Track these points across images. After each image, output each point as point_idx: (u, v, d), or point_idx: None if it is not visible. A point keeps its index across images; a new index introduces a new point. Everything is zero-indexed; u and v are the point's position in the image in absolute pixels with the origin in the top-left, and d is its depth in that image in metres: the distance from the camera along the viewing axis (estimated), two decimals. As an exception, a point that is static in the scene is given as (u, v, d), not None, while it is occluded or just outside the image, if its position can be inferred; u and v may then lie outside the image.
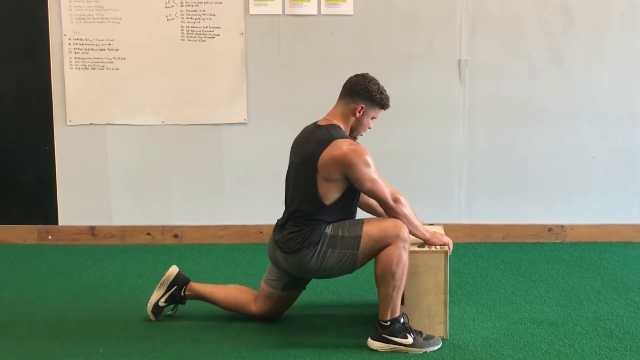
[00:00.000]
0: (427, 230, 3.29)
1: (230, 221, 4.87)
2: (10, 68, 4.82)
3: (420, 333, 3.14)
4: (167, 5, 4.71)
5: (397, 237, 3.09)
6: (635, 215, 4.80)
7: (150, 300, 3.45)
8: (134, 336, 3.30)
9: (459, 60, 4.72)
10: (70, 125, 4.81)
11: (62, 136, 4.83)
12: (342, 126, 3.25)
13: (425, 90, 4.73)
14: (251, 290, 3.50)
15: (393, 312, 3.11)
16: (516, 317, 3.49)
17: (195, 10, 4.70)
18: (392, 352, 3.09)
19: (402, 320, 3.13)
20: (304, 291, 3.47)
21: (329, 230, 3.17)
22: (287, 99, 4.76)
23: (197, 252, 4.66)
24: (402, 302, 3.19)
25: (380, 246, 3.11)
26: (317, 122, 3.31)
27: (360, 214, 3.41)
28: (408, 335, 3.10)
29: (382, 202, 3.18)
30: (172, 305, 3.48)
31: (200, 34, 4.72)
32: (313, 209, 3.18)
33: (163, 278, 3.45)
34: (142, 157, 4.85)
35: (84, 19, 4.72)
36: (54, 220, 4.89)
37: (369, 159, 3.14)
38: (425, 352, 3.10)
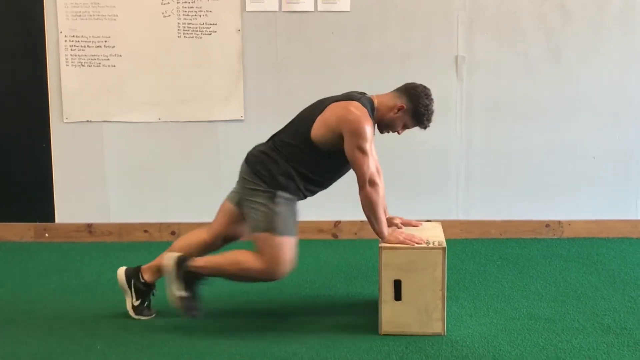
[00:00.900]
0: (387, 228, 3.26)
1: (227, 218, 4.86)
2: (7, 65, 4.81)
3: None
4: (164, 2, 4.70)
5: (267, 270, 3.17)
6: (632, 210, 4.81)
7: (128, 310, 3.44)
8: (132, 333, 3.29)
9: (456, 57, 4.72)
10: (66, 122, 4.81)
11: (59, 133, 4.82)
12: (377, 106, 3.27)
13: (422, 86, 4.73)
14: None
15: (198, 275, 3.26)
16: (513, 312, 3.50)
17: (191, 7, 4.69)
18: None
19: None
20: (301, 288, 3.46)
21: (281, 198, 3.18)
22: (284, 95, 4.76)
23: (195, 250, 4.66)
24: (400, 299, 3.19)
25: (256, 254, 3.19)
26: None
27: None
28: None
29: (358, 177, 3.18)
30: (149, 298, 3.46)
31: (197, 31, 4.71)
32: (301, 136, 3.21)
33: (119, 285, 3.45)
34: (138, 154, 4.85)
35: (80, 16, 4.71)
36: (51, 218, 4.89)
37: (370, 133, 3.16)
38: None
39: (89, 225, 4.88)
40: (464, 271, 4.14)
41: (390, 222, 3.45)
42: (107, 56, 4.75)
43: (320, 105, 3.28)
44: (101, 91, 4.78)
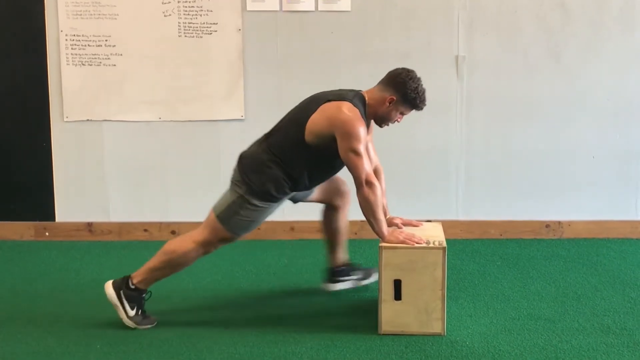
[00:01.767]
0: (386, 228, 3.27)
1: (227, 218, 4.86)
2: (7, 64, 4.81)
3: (144, 313, 3.34)
4: (164, 1, 4.69)
5: (195, 239, 3.29)
6: (632, 211, 4.81)
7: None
8: (131, 333, 3.29)
9: (457, 57, 4.72)
10: (67, 121, 4.81)
11: (59, 132, 4.82)
12: (368, 102, 3.28)
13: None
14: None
15: (145, 283, 3.31)
16: (513, 313, 3.50)
17: (192, 6, 4.69)
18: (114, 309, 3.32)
19: (143, 296, 3.32)
20: (301, 288, 3.47)
21: (252, 204, 3.24)
22: (284, 95, 4.76)
23: (195, 249, 4.66)
24: (400, 298, 3.20)
25: (185, 235, 3.35)
26: None
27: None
28: (135, 308, 3.31)
29: (355, 178, 3.19)
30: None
31: (198, 30, 4.71)
32: (294, 139, 3.22)
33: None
34: (139, 153, 4.85)
35: (80, 15, 4.71)
36: (51, 217, 4.89)
37: (361, 133, 3.15)
38: (137, 328, 3.31)
39: (89, 224, 4.88)
40: (464, 271, 4.14)
41: (391, 223, 3.45)
42: (107, 55, 4.74)
43: (311, 105, 3.27)
44: (102, 90, 4.77)
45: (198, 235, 3.32)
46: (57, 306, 3.65)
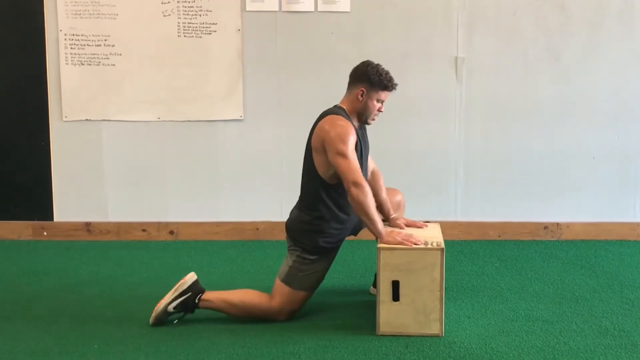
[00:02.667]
0: (383, 227, 3.28)
1: (225, 218, 4.87)
2: (6, 63, 4.81)
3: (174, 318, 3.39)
4: (164, 1, 4.69)
5: (270, 311, 3.36)
6: (630, 213, 4.81)
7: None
8: (129, 333, 3.29)
9: (456, 58, 4.72)
10: (65, 121, 4.80)
11: (58, 132, 4.82)
12: (346, 109, 3.35)
13: (421, 87, 4.73)
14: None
15: (208, 306, 3.38)
16: (511, 314, 3.50)
17: (191, 7, 4.69)
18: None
19: (192, 310, 3.38)
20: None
21: (308, 259, 3.34)
22: (283, 95, 4.76)
23: (193, 249, 4.66)
24: (398, 299, 3.20)
25: (266, 295, 3.40)
26: None
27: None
28: (178, 310, 3.35)
29: (344, 180, 3.22)
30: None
31: (197, 30, 4.71)
32: (313, 182, 3.31)
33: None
34: (137, 153, 4.84)
35: (80, 14, 4.71)
36: (49, 216, 4.88)
37: (348, 137, 3.20)
38: (155, 315, 3.35)
39: (88, 224, 4.88)
40: (462, 272, 4.14)
41: (394, 223, 3.46)
42: (106, 55, 4.74)
43: (309, 140, 3.37)
44: (101, 90, 4.77)
45: (273, 303, 3.39)
46: (55, 306, 3.65)
